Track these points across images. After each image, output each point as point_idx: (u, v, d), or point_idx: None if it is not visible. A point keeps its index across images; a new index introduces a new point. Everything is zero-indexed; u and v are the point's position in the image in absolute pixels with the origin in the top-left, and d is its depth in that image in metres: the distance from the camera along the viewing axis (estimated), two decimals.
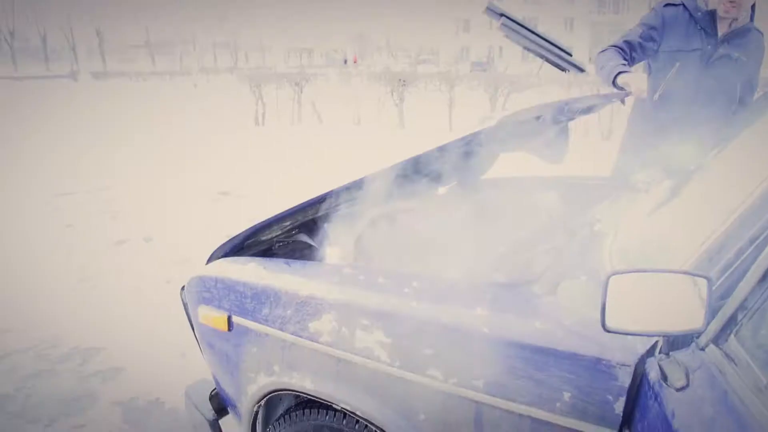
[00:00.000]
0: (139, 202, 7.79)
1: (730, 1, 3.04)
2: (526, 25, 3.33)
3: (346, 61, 67.70)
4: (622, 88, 3.11)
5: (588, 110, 3.40)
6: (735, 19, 3.16)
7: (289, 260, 2.09)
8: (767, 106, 2.07)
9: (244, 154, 10.24)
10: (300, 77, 15.08)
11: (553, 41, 3.45)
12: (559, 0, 36.85)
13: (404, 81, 13.38)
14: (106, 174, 9.60)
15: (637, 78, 3.07)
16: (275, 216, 2.21)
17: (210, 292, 2.12)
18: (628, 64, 3.28)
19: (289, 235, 2.60)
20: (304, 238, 2.62)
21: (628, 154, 3.59)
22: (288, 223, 2.34)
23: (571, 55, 3.31)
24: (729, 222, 1.32)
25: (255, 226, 2.24)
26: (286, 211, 2.21)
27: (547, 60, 3.43)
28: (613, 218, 2.06)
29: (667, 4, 3.33)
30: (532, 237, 2.20)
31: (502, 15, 3.12)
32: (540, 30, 3.46)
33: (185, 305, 2.32)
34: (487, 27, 55.57)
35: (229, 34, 66.93)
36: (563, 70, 3.62)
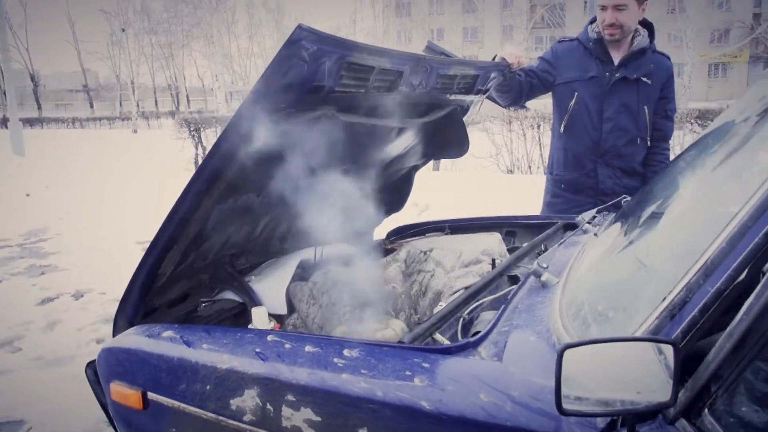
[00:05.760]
0: (73, 254, 7.42)
1: (610, 25, 3.22)
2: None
3: None
4: (503, 71, 3.12)
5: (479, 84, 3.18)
6: (630, 44, 3.32)
7: (210, 327, 1.88)
8: (728, 137, 1.93)
9: None
10: None
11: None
12: (498, 39, 37.69)
13: None
14: (42, 225, 9.23)
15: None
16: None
17: (122, 365, 1.89)
18: (525, 87, 3.38)
19: (215, 294, 2.41)
20: (230, 296, 2.43)
21: (551, 191, 3.65)
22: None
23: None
24: (692, 273, 1.17)
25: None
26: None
27: (487, 97, 3.37)
28: (561, 266, 1.91)
29: (560, 40, 3.58)
30: (475, 289, 2.02)
31: (442, 54, 3.05)
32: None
33: (91, 383, 2.07)
34: None
35: (170, 77, 65.83)
36: (503, 106, 3.65)
